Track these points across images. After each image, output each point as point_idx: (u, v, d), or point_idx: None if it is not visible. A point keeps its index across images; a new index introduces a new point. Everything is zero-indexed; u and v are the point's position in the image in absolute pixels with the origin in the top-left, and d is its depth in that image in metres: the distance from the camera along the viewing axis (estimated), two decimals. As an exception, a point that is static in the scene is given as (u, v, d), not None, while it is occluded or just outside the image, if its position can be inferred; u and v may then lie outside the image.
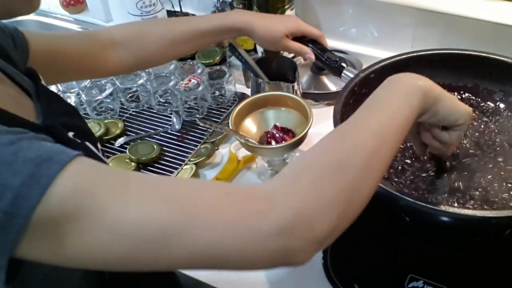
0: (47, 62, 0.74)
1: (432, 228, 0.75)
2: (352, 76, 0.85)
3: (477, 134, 0.81)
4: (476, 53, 0.85)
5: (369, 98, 0.55)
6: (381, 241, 0.79)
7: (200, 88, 1.04)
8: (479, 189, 0.72)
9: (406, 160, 0.78)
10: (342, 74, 0.88)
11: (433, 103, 0.58)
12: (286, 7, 1.08)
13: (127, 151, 0.96)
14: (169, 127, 1.05)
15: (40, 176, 0.39)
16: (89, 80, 1.10)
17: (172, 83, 1.07)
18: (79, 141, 0.57)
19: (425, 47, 0.89)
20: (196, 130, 1.02)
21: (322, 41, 0.92)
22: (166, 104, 1.10)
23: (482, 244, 0.76)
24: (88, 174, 0.41)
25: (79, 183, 0.40)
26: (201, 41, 0.90)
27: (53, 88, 1.11)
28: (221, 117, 1.06)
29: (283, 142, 0.84)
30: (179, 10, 1.28)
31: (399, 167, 0.77)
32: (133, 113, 1.11)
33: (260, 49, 1.15)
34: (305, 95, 1.01)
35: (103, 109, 1.11)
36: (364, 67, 0.90)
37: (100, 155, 0.63)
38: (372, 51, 1.15)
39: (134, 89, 1.12)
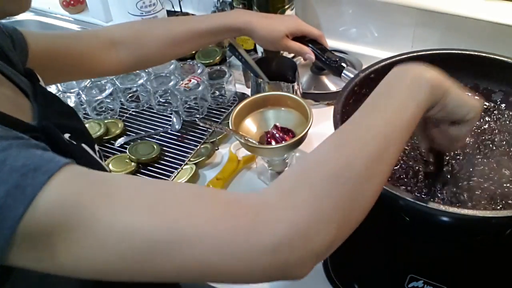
0: (46, 62, 0.74)
1: (432, 228, 0.75)
2: (352, 76, 0.85)
3: (478, 133, 0.81)
4: (476, 53, 0.85)
5: (372, 93, 0.52)
6: (381, 241, 0.79)
7: (200, 88, 1.04)
8: (480, 189, 0.72)
9: (407, 160, 0.78)
10: (342, 74, 0.88)
11: (441, 97, 0.54)
12: (286, 7, 1.08)
13: (127, 151, 0.96)
14: (169, 127, 1.05)
15: (26, 186, 0.38)
16: (89, 80, 1.10)
17: (172, 83, 1.07)
18: (75, 143, 0.57)
19: (425, 47, 0.89)
20: (196, 130, 1.02)
21: (322, 41, 0.92)
22: (166, 104, 1.10)
23: (482, 244, 0.76)
24: (76, 184, 0.40)
25: (66, 194, 0.39)
26: (201, 41, 0.90)
27: (53, 88, 1.11)
28: (221, 117, 1.06)
29: (283, 142, 0.84)
30: (179, 10, 1.28)
31: (399, 167, 0.77)
32: (133, 113, 1.11)
33: (260, 49, 1.15)
34: (305, 95, 1.01)
35: (103, 109, 1.11)
36: (364, 67, 0.90)
37: (97, 157, 0.62)
38: (372, 51, 1.15)
39: (134, 89, 1.12)
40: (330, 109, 0.79)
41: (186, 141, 1.01)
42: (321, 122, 0.87)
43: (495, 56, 0.83)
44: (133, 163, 0.95)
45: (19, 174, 0.38)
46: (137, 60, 0.87)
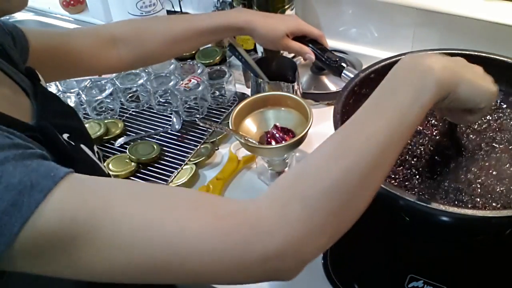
0: (46, 59, 0.74)
1: (432, 228, 0.75)
2: (352, 76, 0.85)
3: (479, 131, 0.81)
4: (476, 53, 0.85)
5: (377, 90, 0.50)
6: (381, 241, 0.79)
7: (200, 88, 1.04)
8: (480, 188, 0.72)
9: (407, 159, 0.78)
10: (342, 74, 0.88)
11: (452, 90, 0.52)
12: (286, 7, 1.08)
13: (127, 151, 0.96)
14: (169, 127, 1.05)
15: (22, 204, 0.38)
16: (89, 80, 1.10)
17: (172, 83, 1.07)
18: (73, 143, 0.57)
19: (425, 47, 0.89)
20: (196, 130, 1.02)
21: (322, 41, 0.92)
22: (166, 104, 1.10)
23: (482, 244, 0.76)
24: (73, 199, 0.40)
25: (63, 210, 0.40)
26: (202, 39, 0.89)
27: (53, 88, 1.11)
28: (221, 117, 1.06)
29: (283, 142, 0.84)
30: (179, 10, 1.28)
31: (400, 166, 0.77)
32: (133, 113, 1.10)
33: (260, 49, 1.15)
34: (305, 95, 1.01)
35: (103, 109, 1.11)
36: (364, 67, 0.90)
37: (95, 158, 0.62)
38: (372, 51, 1.15)
39: (134, 89, 1.12)
40: (330, 109, 0.79)
41: (186, 141, 1.01)
42: (321, 122, 0.87)
43: (495, 56, 0.83)
44: (133, 163, 0.95)
45: (15, 192, 0.38)
46: (137, 57, 0.87)
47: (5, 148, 0.40)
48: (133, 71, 1.11)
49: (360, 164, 0.44)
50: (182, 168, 0.94)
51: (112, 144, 1.02)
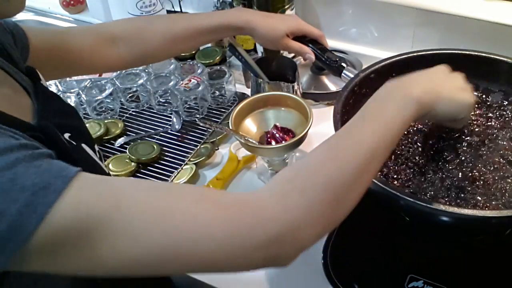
0: (47, 58, 0.74)
1: (432, 228, 0.75)
2: (352, 76, 0.85)
3: (479, 130, 0.81)
4: (476, 53, 0.85)
5: (364, 106, 0.57)
6: (381, 241, 0.79)
7: (200, 88, 1.04)
8: (482, 187, 0.72)
9: (407, 158, 0.78)
10: (342, 74, 0.88)
11: (429, 110, 0.59)
12: (286, 7, 1.08)
13: (127, 151, 0.96)
14: (169, 127, 1.05)
15: (37, 205, 0.39)
16: (89, 80, 1.10)
17: (172, 83, 1.07)
18: (74, 143, 0.57)
19: (425, 47, 0.89)
20: (196, 130, 1.02)
21: (322, 41, 0.92)
22: (166, 104, 1.10)
23: (482, 244, 0.76)
24: (85, 197, 0.42)
25: (76, 210, 0.41)
26: (202, 38, 0.89)
27: (53, 88, 1.11)
28: (221, 117, 1.06)
29: (283, 142, 0.84)
30: (179, 10, 1.28)
31: (400, 166, 0.77)
32: (133, 113, 1.11)
33: (260, 49, 1.15)
34: (305, 95, 1.01)
35: (103, 109, 1.11)
36: (364, 67, 0.90)
37: (96, 158, 0.62)
38: (372, 51, 1.15)
39: (134, 89, 1.12)
40: (330, 109, 0.79)
41: (186, 141, 1.01)
42: (321, 122, 0.87)
43: (495, 56, 0.83)
44: (133, 163, 0.95)
45: (29, 193, 0.39)
46: (137, 56, 0.86)
47: (14, 150, 0.41)
48: (133, 71, 1.11)
49: (351, 163, 0.50)
50: (182, 168, 0.94)
51: (112, 144, 1.02)
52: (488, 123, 0.82)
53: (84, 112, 1.10)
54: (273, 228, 0.45)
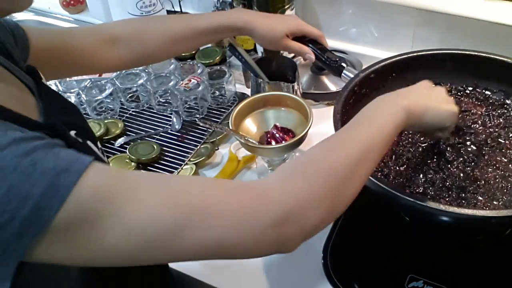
0: (47, 58, 0.74)
1: (432, 228, 0.75)
2: (352, 76, 0.85)
3: (480, 130, 0.81)
4: (476, 53, 0.85)
5: (359, 113, 0.61)
6: (381, 241, 0.79)
7: (200, 88, 1.04)
8: (484, 186, 0.72)
9: (408, 158, 0.78)
10: (342, 74, 0.88)
11: (417, 119, 0.64)
12: (286, 7, 1.08)
13: (127, 151, 0.96)
14: (169, 127, 1.05)
15: (59, 186, 0.41)
16: (89, 80, 1.10)
17: (172, 83, 1.07)
18: (80, 140, 0.57)
19: (425, 47, 0.89)
20: (196, 130, 1.02)
21: (322, 41, 0.92)
22: (166, 104, 1.10)
23: (482, 244, 0.76)
24: (103, 179, 0.44)
25: (95, 190, 0.43)
26: (201, 39, 0.90)
27: (53, 88, 1.11)
28: (221, 117, 1.06)
29: (283, 142, 0.84)
30: (179, 10, 1.28)
31: (401, 166, 0.77)
32: (133, 113, 1.11)
33: (260, 49, 1.15)
34: (305, 95, 1.01)
35: (103, 109, 1.11)
36: (364, 67, 0.90)
37: (101, 154, 0.63)
38: (372, 51, 1.15)
39: (134, 89, 1.12)
40: (330, 109, 0.79)
41: (186, 141, 1.01)
42: (321, 122, 0.87)
43: (495, 56, 0.83)
44: (133, 163, 0.95)
45: (51, 175, 0.40)
46: (137, 56, 0.87)
47: (29, 140, 0.42)
48: (133, 71, 1.11)
49: (348, 156, 0.54)
50: (182, 168, 0.94)
51: (112, 144, 1.02)
52: (489, 123, 0.82)
53: (84, 112, 1.10)
54: (279, 209, 0.48)
